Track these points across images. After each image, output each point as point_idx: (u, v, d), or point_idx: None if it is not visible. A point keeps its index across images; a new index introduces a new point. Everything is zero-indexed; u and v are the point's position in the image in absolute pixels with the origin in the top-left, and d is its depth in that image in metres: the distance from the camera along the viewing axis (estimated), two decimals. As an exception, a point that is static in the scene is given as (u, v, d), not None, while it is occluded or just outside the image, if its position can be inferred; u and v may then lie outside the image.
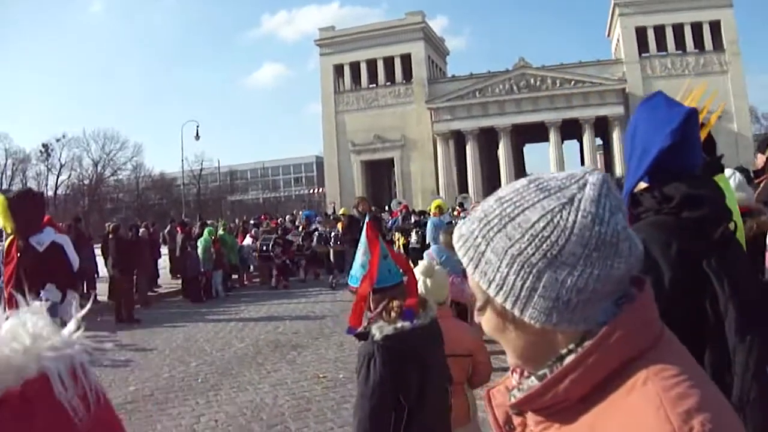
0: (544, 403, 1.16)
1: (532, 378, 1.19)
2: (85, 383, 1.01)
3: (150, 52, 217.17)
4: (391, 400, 3.14)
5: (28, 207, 5.72)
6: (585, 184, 1.12)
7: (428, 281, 4.37)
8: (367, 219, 3.86)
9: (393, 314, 3.25)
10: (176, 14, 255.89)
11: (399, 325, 3.18)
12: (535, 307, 1.10)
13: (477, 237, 1.16)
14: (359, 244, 3.54)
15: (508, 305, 1.13)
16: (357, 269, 3.45)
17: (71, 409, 0.95)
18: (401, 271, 3.46)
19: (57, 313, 5.45)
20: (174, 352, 12.23)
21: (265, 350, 11.88)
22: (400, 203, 30.74)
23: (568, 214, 1.09)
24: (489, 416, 1.38)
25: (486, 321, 1.22)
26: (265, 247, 22.91)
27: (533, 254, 1.09)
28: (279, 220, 29.81)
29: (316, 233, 23.69)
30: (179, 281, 21.65)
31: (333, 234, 22.62)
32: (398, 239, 25.17)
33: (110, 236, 17.94)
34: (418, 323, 3.23)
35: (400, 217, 26.90)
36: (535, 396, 1.16)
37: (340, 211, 25.68)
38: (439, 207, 21.83)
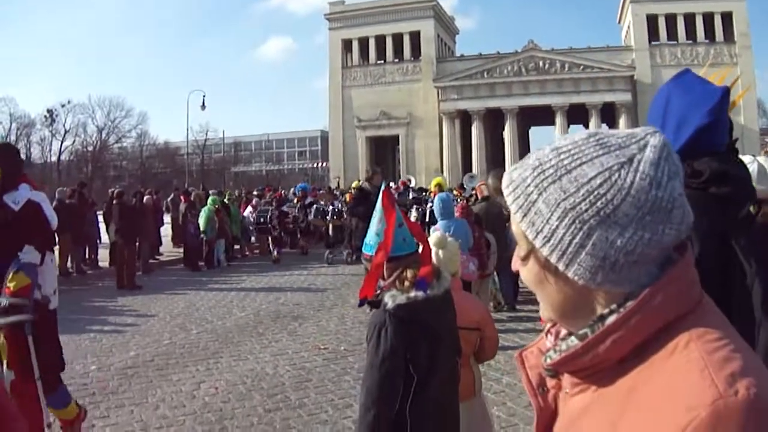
0: (583, 364, 1.14)
1: (572, 338, 1.16)
2: None
3: (158, 21, 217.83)
4: (400, 370, 3.11)
5: (8, 161, 5.47)
6: (645, 146, 1.09)
7: (441, 252, 4.37)
8: (383, 187, 3.81)
9: (407, 283, 3.21)
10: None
11: (412, 294, 3.13)
12: (581, 264, 1.08)
13: (529, 185, 1.13)
14: (374, 212, 3.49)
15: (553, 258, 1.11)
16: (372, 237, 3.40)
17: None
18: (416, 240, 3.43)
19: (36, 276, 5.32)
20: (175, 319, 12.27)
21: (266, 320, 11.91)
22: (409, 179, 30.61)
23: (627, 174, 1.06)
24: (522, 378, 1.36)
25: (527, 271, 1.20)
26: (262, 219, 22.44)
27: (586, 210, 1.06)
28: (282, 192, 29.68)
29: (314, 207, 23.05)
30: (181, 249, 21.64)
31: (331, 208, 22.17)
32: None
33: (114, 202, 17.93)
34: (431, 293, 3.19)
35: (396, 194, 26.78)
36: (576, 355, 1.14)
37: (353, 184, 24.91)
38: (439, 185, 21.67)
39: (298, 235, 24.45)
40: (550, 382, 1.29)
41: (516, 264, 1.24)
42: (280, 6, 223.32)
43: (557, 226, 1.09)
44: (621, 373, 1.10)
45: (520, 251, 1.20)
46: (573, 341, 1.15)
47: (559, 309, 1.18)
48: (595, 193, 1.06)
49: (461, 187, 27.03)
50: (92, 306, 13.62)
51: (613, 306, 1.10)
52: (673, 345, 1.06)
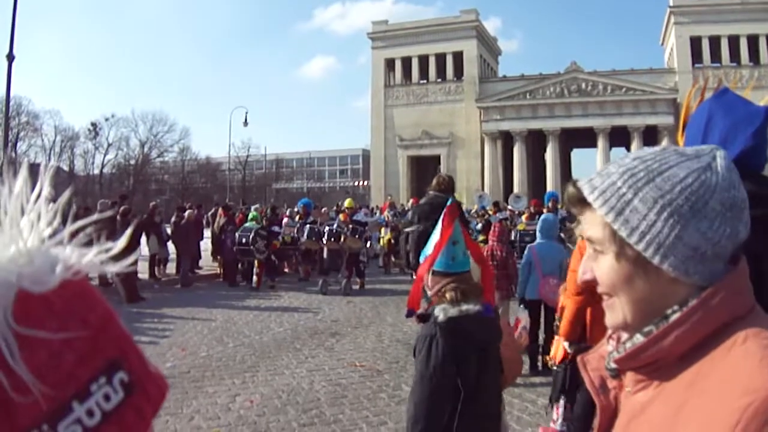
0: (647, 359, 1.24)
1: (637, 335, 1.25)
2: None
3: (203, 39, 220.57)
4: (450, 383, 3.11)
5: None
6: (716, 156, 1.24)
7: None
8: (449, 202, 3.77)
9: (448, 297, 3.23)
10: (230, 2, 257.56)
11: (464, 307, 3.18)
12: (676, 256, 1.18)
13: (621, 187, 1.23)
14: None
15: (649, 252, 1.19)
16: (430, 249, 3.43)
17: None
18: (471, 261, 3.47)
19: None
20: (212, 332, 12.30)
21: (303, 336, 11.89)
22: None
23: (711, 174, 1.20)
24: (585, 379, 1.46)
25: (613, 270, 1.26)
26: (244, 240, 19.18)
27: (682, 205, 1.18)
28: (323, 210, 29.18)
29: (307, 227, 19.83)
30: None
31: (327, 228, 18.87)
32: (384, 236, 24.45)
33: (118, 217, 17.61)
34: (481, 309, 3.23)
35: (387, 214, 26.24)
36: (641, 350, 1.23)
37: (347, 203, 22.90)
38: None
39: (294, 260, 22.60)
40: (612, 383, 1.39)
41: (582, 274, 1.33)
42: (322, 27, 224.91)
43: (655, 221, 1.19)
44: (681, 369, 1.20)
45: (603, 256, 1.28)
46: (638, 338, 1.25)
47: (642, 306, 1.24)
48: (689, 189, 1.19)
49: (495, 205, 26.72)
50: (129, 316, 13.67)
51: (675, 307, 1.20)
52: (731, 342, 1.15)
